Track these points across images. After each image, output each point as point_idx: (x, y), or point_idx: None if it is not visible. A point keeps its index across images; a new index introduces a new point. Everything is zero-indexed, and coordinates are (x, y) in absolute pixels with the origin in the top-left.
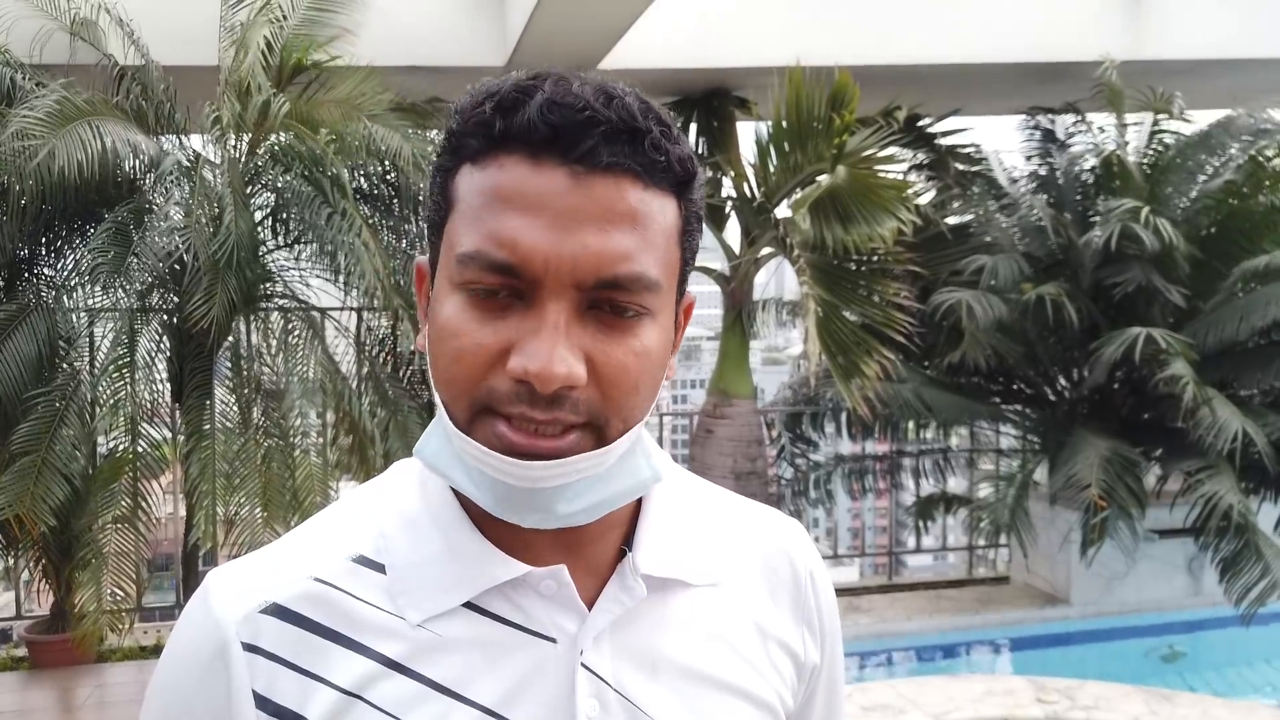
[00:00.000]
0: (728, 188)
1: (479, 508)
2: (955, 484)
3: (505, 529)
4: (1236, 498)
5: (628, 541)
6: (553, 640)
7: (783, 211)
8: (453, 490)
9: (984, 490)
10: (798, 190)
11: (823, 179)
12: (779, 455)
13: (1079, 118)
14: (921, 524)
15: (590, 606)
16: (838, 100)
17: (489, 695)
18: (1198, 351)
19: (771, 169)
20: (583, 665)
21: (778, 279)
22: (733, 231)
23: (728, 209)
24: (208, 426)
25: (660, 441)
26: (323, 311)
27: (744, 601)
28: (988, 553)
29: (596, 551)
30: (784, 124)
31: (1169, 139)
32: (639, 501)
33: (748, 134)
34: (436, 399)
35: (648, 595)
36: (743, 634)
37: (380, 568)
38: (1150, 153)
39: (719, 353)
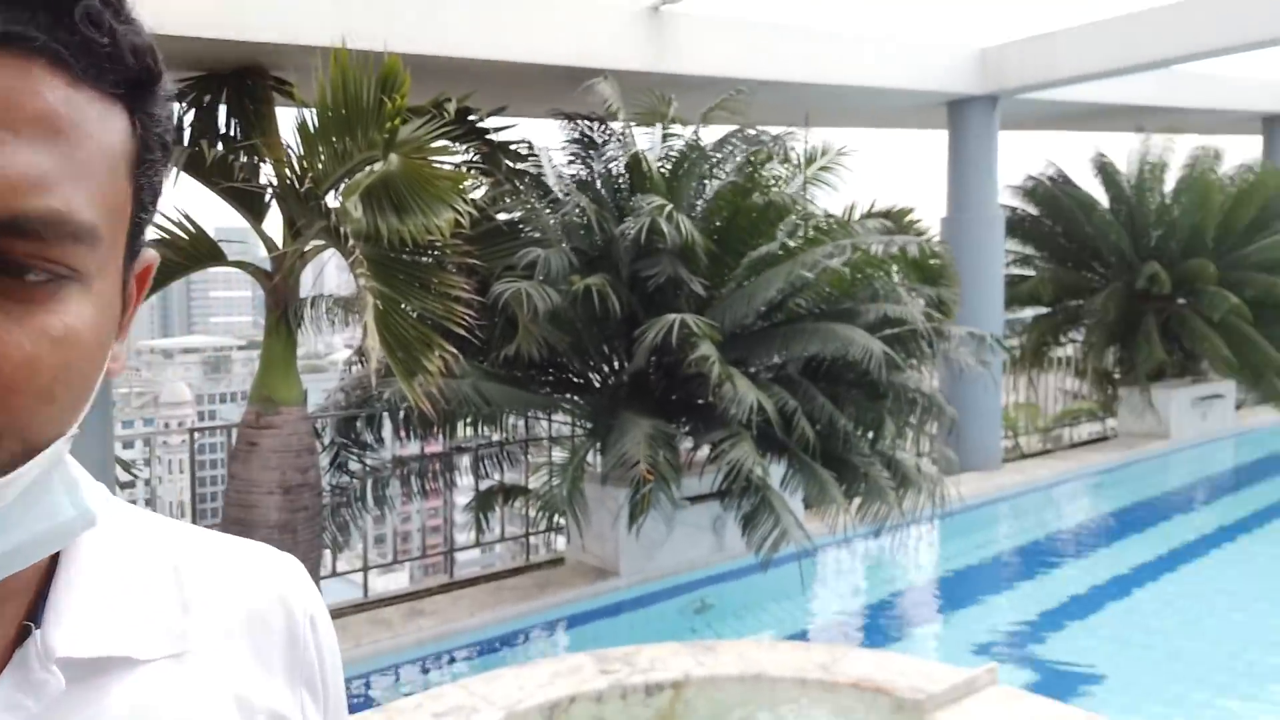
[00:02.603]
0: (267, 174)
1: None
2: (514, 475)
3: None
4: (755, 461)
5: (34, 614)
6: None
7: (333, 202)
8: None
9: (538, 479)
10: (347, 179)
11: (375, 167)
12: (332, 463)
13: (608, 124)
14: (482, 517)
15: None
16: (388, 85)
17: None
18: (719, 334)
19: (319, 155)
20: None
21: (318, 276)
22: (273, 222)
23: (268, 197)
24: None
25: (191, 463)
26: None
27: (220, 671)
28: (547, 537)
29: None
30: (330, 108)
31: (681, 145)
32: (53, 559)
33: (289, 119)
34: None
35: (73, 686)
36: (219, 713)
37: None
38: (671, 158)
39: (262, 358)
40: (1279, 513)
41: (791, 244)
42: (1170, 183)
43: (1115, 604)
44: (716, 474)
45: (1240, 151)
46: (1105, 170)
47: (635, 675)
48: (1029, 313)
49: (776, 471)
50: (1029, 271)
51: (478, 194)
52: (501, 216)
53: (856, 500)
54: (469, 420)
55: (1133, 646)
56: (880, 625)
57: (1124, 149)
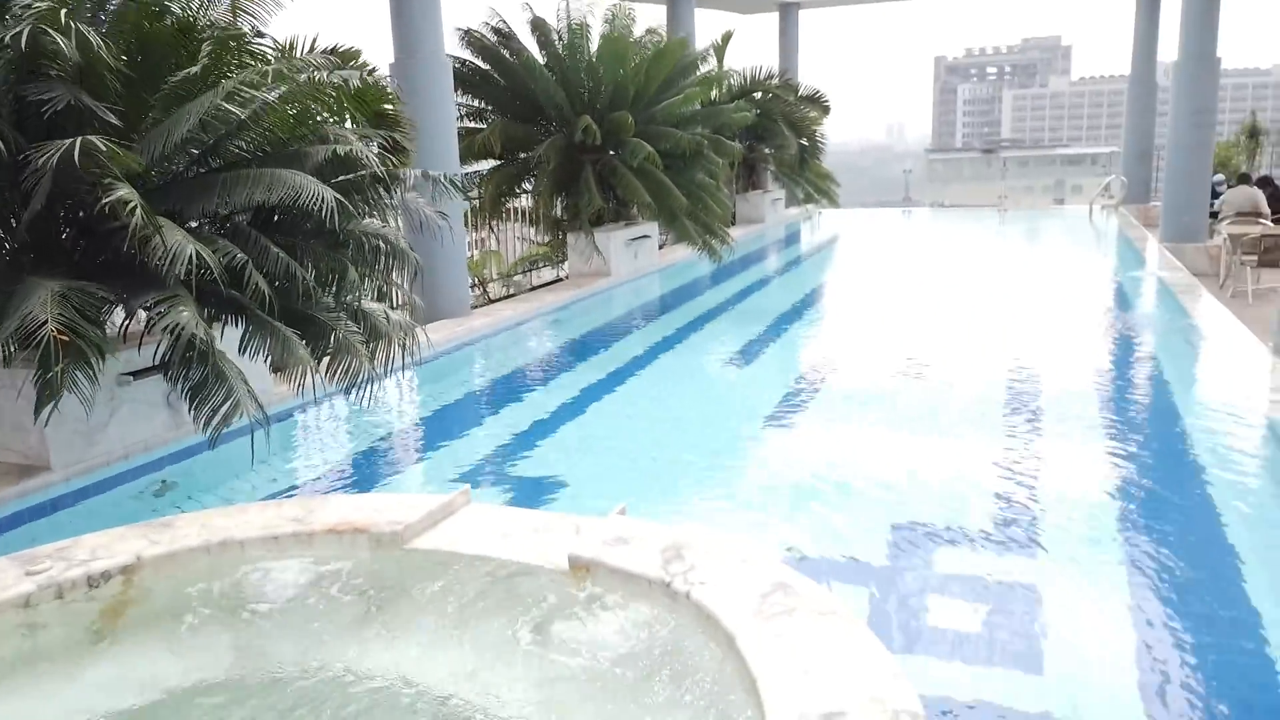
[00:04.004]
0: None
1: None
2: None
3: None
4: (199, 325)
5: None
6: None
7: None
8: None
9: None
10: None
11: None
12: None
13: None
14: None
15: None
16: None
17: None
18: (145, 185)
19: None
20: None
21: None
22: None
23: None
24: None
25: None
26: None
27: None
28: None
29: None
30: None
31: None
32: None
33: None
34: None
35: None
36: None
37: None
38: None
39: None
40: (692, 330)
41: (217, 69)
42: (595, 42)
43: (574, 420)
44: (157, 344)
45: (650, 18)
46: (538, 28)
47: (73, 569)
48: (485, 165)
49: (234, 335)
50: (483, 125)
51: None
52: None
53: (327, 359)
54: None
55: (588, 453)
56: (367, 473)
57: (554, 8)
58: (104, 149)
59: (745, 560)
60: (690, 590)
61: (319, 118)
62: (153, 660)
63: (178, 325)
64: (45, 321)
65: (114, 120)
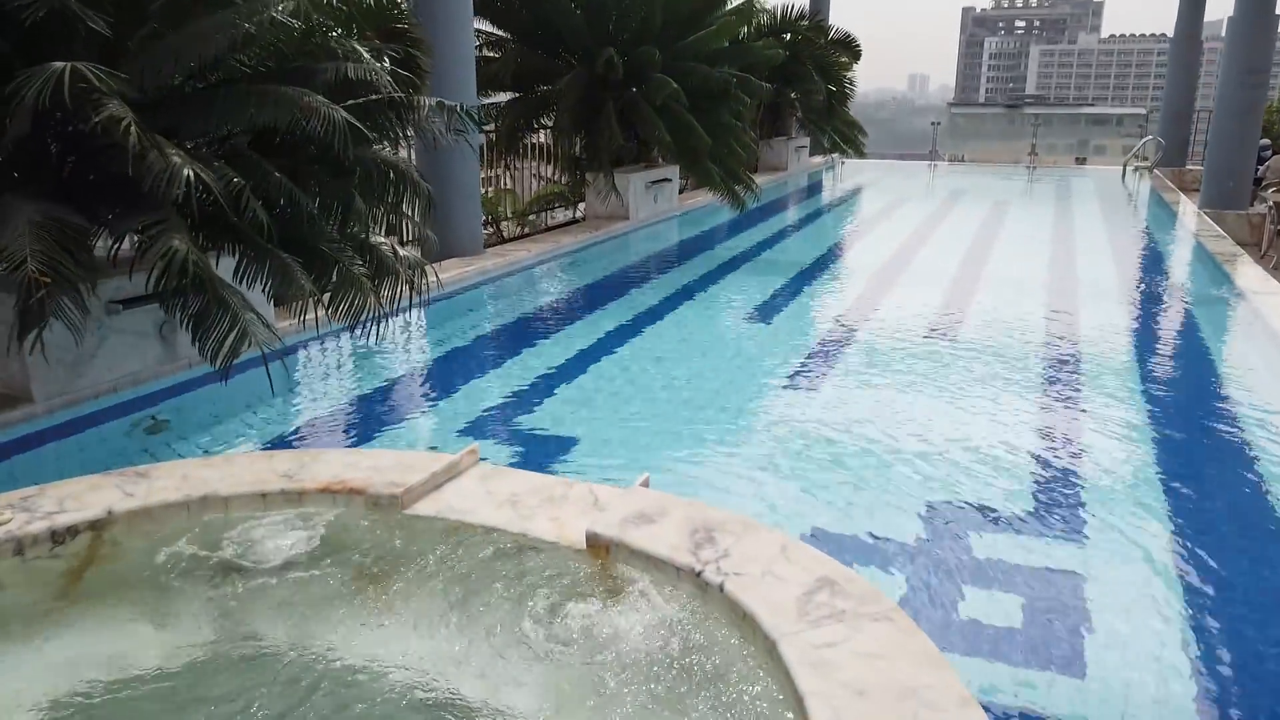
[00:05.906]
0: None
1: None
2: None
3: None
4: (193, 250)
5: None
6: None
7: None
8: None
9: None
10: None
11: None
12: None
13: None
14: None
15: None
16: None
17: None
18: (140, 101)
19: None
20: None
21: None
22: None
23: None
24: None
25: None
26: None
27: None
28: None
29: None
30: None
31: None
32: None
33: None
34: None
35: None
36: None
37: None
38: None
39: None
40: (713, 280)
41: None
42: None
43: (588, 371)
44: (149, 272)
45: None
46: None
47: (36, 522)
48: (503, 98)
49: (229, 264)
50: (500, 55)
51: None
52: None
53: (330, 293)
54: None
55: (602, 407)
56: (369, 421)
57: None
58: (94, 79)
59: (784, 548)
60: (724, 582)
61: (328, 32)
62: (121, 630)
63: (170, 251)
64: (24, 260)
65: (103, 30)
